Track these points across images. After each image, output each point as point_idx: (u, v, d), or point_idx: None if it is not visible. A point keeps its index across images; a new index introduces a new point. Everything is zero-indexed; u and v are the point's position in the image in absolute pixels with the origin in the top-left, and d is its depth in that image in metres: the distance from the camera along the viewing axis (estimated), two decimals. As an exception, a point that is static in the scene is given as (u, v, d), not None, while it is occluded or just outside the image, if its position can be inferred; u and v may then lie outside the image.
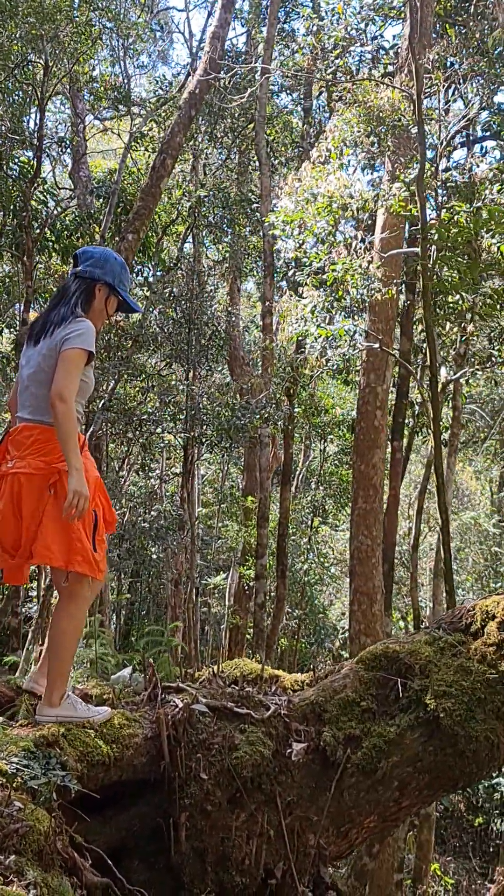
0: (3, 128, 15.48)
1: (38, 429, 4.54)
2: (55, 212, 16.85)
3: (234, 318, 20.83)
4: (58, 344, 4.50)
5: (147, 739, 4.55)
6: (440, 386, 10.87)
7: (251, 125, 18.13)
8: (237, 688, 5.08)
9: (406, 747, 4.59)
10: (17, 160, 15.61)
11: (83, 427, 17.49)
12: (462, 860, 17.73)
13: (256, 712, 4.75)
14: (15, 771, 3.73)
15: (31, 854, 3.39)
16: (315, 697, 4.87)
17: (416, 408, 14.70)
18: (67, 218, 17.14)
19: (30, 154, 16.39)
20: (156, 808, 4.55)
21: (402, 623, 23.16)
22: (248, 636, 19.67)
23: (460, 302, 10.99)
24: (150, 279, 18.79)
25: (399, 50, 13.41)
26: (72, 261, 5.04)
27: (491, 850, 17.76)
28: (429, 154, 11.13)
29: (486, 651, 4.71)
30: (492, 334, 13.72)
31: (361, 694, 4.81)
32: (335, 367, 13.01)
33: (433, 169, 10.56)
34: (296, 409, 16.79)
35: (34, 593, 18.83)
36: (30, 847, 3.39)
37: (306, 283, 11.14)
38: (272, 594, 17.72)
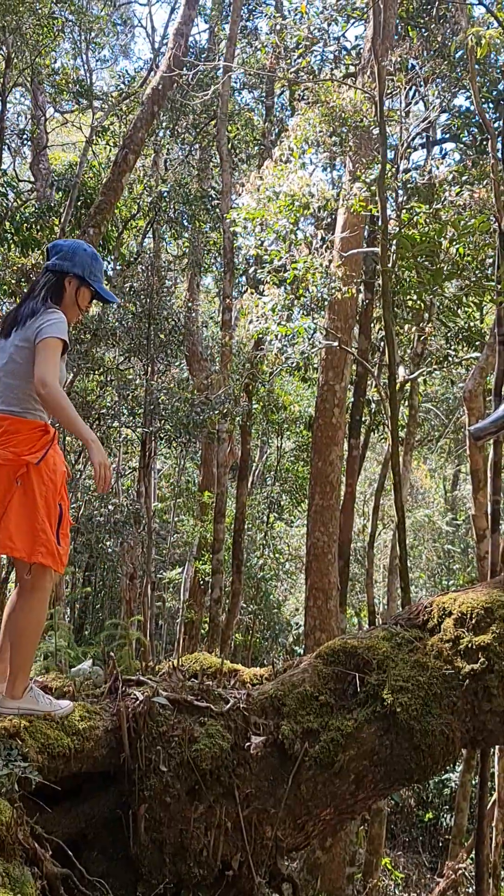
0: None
1: (8, 419, 4.51)
2: (14, 204, 16.77)
3: (193, 314, 20.82)
4: (31, 335, 4.50)
5: (107, 732, 4.57)
6: (398, 385, 10.98)
7: (213, 122, 18.16)
8: (197, 681, 5.13)
9: (363, 741, 4.66)
10: (-24, 151, 15.57)
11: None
12: (412, 855, 17.87)
13: (216, 706, 4.80)
14: (-24, 762, 3.76)
15: (-7, 844, 3.42)
16: (274, 691, 4.92)
17: (373, 406, 14.79)
18: (27, 210, 17.05)
19: (-11, 145, 16.32)
20: (115, 800, 4.59)
21: (355, 620, 23.29)
22: (202, 631, 19.71)
23: (418, 302, 11.09)
24: (110, 273, 18.75)
25: (361, 51, 13.50)
26: (44, 254, 5.07)
27: (440, 844, 17.91)
28: (389, 155, 11.23)
29: (442, 647, 4.79)
30: (448, 335, 13.85)
31: (320, 688, 4.87)
32: (294, 364, 13.08)
33: (394, 170, 10.64)
34: (254, 406, 16.83)
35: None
36: (-9, 837, 3.42)
37: (267, 281, 11.19)
38: (227, 589, 17.75)
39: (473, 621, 4.77)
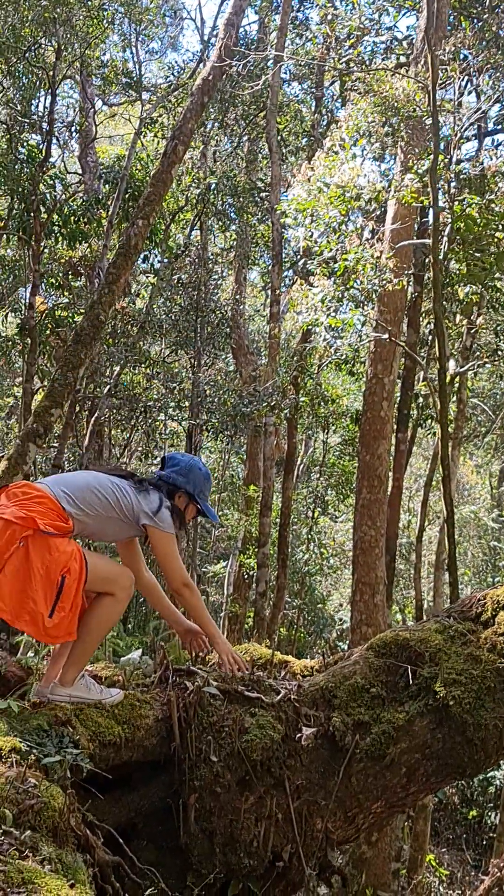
0: (13, 111, 15.48)
1: (43, 494, 4.57)
2: (63, 196, 16.82)
3: (239, 307, 20.79)
4: (137, 506, 4.76)
5: (158, 721, 4.57)
6: (447, 378, 10.88)
7: (262, 113, 18.08)
8: (247, 672, 5.10)
9: (415, 734, 4.61)
10: (25, 144, 15.58)
11: (87, 413, 17.47)
12: (456, 852, 17.77)
13: (267, 696, 4.78)
14: (29, 749, 3.75)
15: (46, 830, 3.41)
16: (325, 683, 4.89)
17: (421, 400, 14.69)
18: (75, 203, 17.11)
19: (38, 138, 16.37)
20: (165, 789, 4.59)
21: (399, 616, 23.19)
22: (247, 625, 19.70)
23: (470, 295, 10.99)
24: (157, 266, 18.78)
25: (413, 41, 13.39)
26: (159, 463, 5.26)
27: (484, 842, 17.79)
28: (441, 145, 11.13)
29: (496, 640, 4.72)
30: (498, 328, 13.73)
31: (371, 680, 4.83)
32: (342, 357, 13.01)
33: (446, 160, 10.54)
34: (301, 399, 16.78)
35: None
36: (44, 823, 3.41)
37: (316, 273, 11.14)
38: (272, 583, 17.73)
39: (529, 614, 4.71)
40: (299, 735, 4.67)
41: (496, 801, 17.39)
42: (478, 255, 9.63)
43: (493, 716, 4.53)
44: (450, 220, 9.71)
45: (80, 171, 20.78)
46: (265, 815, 4.50)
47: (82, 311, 14.29)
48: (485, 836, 18.03)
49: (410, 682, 4.77)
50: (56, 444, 15.77)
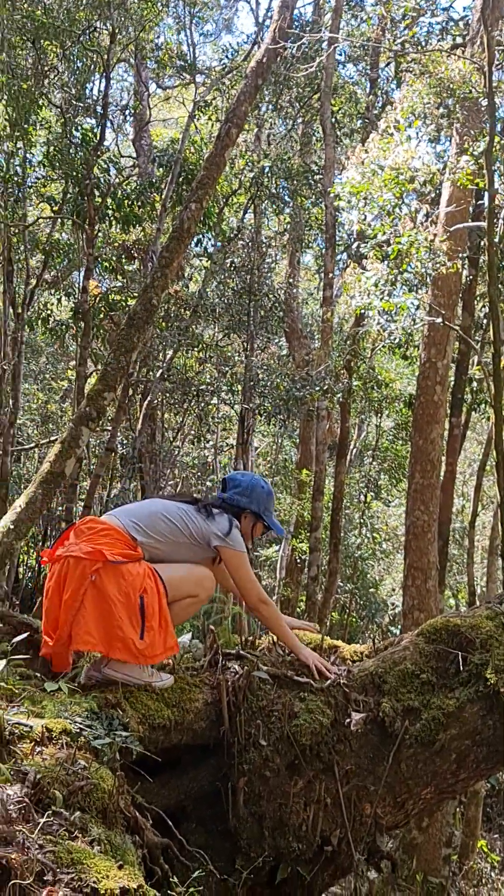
0: (68, 95, 15.51)
1: (109, 526, 4.68)
2: (117, 180, 16.84)
3: (293, 290, 20.74)
4: (206, 529, 4.87)
5: (207, 704, 4.59)
6: (502, 362, 10.75)
7: (316, 96, 17.99)
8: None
9: (465, 721, 4.59)
10: (80, 128, 15.61)
11: (140, 396, 17.53)
12: (508, 838, 17.70)
13: (316, 681, 4.77)
14: (79, 731, 3.77)
15: (95, 812, 3.43)
16: (375, 668, 4.87)
17: (475, 384, 14.56)
18: (129, 186, 17.12)
19: (93, 122, 16.39)
20: (214, 773, 4.60)
21: (452, 601, 23.07)
22: (299, 609, 19.71)
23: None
24: (210, 250, 18.78)
25: (469, 21, 13.22)
26: (220, 485, 5.36)
27: (537, 829, 17.72)
28: (498, 127, 10.99)
29: (549, 628, 4.69)
30: None
31: (421, 666, 4.81)
32: (395, 341, 12.92)
33: (502, 142, 10.41)
34: (354, 383, 16.70)
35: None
36: (94, 805, 3.43)
37: (370, 256, 11.06)
38: (324, 567, 17.71)
39: None
40: (349, 720, 4.66)
41: (549, 788, 17.28)
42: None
43: (545, 704, 4.49)
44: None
45: (134, 155, 20.81)
46: (314, 799, 4.50)
47: (136, 294, 14.31)
48: (538, 823, 17.95)
49: (461, 668, 4.74)
50: (109, 428, 15.85)
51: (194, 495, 5.19)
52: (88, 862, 2.98)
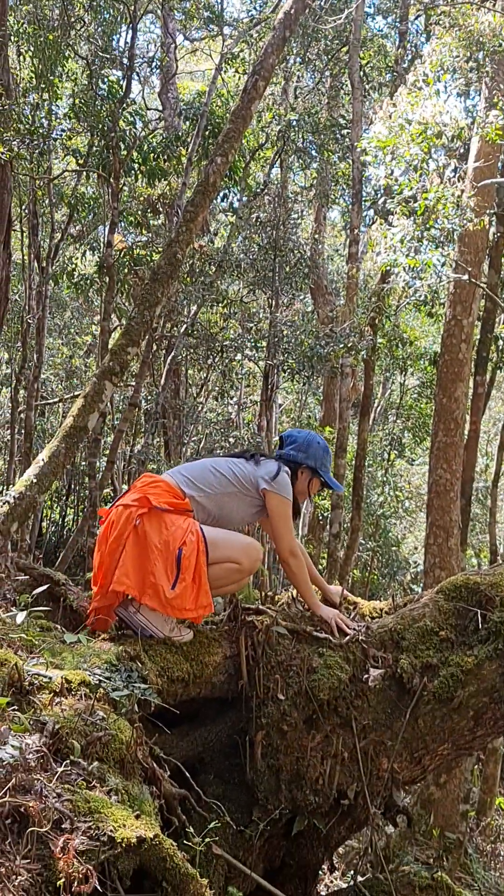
0: (94, 46, 15.38)
1: (159, 479, 4.85)
2: (143, 133, 16.72)
3: (319, 246, 20.59)
4: (257, 477, 4.95)
5: (226, 658, 4.63)
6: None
7: (345, 48, 17.75)
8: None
9: (483, 678, 4.60)
10: (106, 80, 15.48)
11: (164, 352, 17.51)
12: (525, 796, 17.77)
13: (335, 637, 4.79)
14: (98, 682, 3.80)
15: (113, 762, 3.47)
16: (394, 625, 4.88)
17: (501, 343, 14.46)
18: (155, 140, 17.00)
19: (119, 74, 16.25)
20: (232, 726, 4.65)
21: (474, 560, 23.06)
22: (320, 566, 19.75)
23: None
24: (236, 205, 18.65)
25: (501, -27, 13.02)
26: (277, 442, 5.46)
27: None
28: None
29: None
30: None
31: (440, 623, 4.81)
32: (421, 298, 12.83)
33: (532, 97, 10.29)
34: (379, 341, 16.59)
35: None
36: (111, 755, 3.47)
37: (396, 212, 10.95)
38: (346, 525, 17.70)
39: None
40: (367, 676, 4.68)
41: None
42: None
43: None
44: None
45: (160, 108, 20.65)
46: (331, 753, 4.54)
47: (160, 249, 14.24)
48: None
49: (480, 626, 4.75)
50: (133, 384, 15.84)
51: (249, 451, 5.20)
52: (105, 811, 3.02)
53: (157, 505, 4.56)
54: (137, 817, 3.14)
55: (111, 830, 2.97)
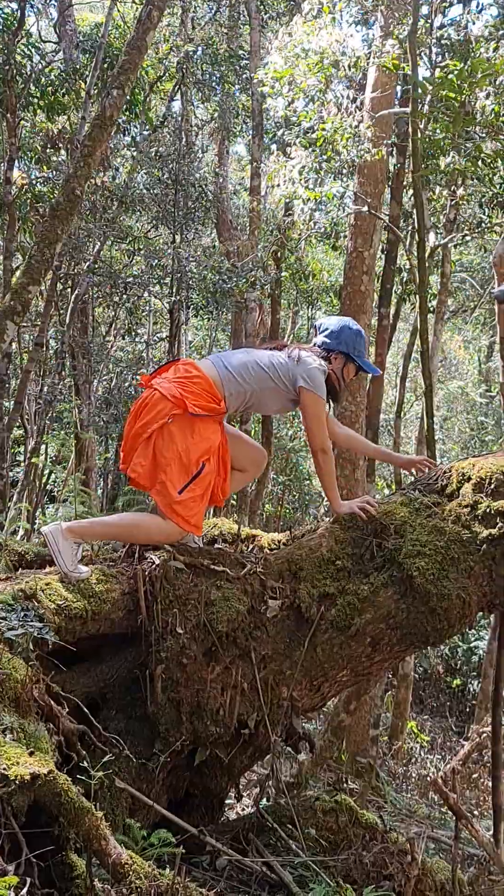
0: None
1: (201, 376, 4.86)
2: (39, 66, 16.31)
3: (221, 180, 20.40)
4: (296, 374, 5.00)
5: (124, 595, 4.62)
6: (428, 251, 10.72)
7: (241, -24, 17.51)
8: (215, 547, 5.16)
9: (380, 605, 4.66)
10: (0, 11, 15.04)
11: (70, 290, 17.28)
12: (439, 719, 18.22)
13: (233, 570, 4.82)
14: (-8, 623, 3.79)
15: (8, 701, 3.48)
16: (291, 556, 4.92)
17: (405, 274, 14.51)
18: (52, 73, 16.59)
19: (14, 6, 15.81)
20: (133, 661, 4.66)
21: (386, 490, 23.34)
22: (232, 502, 19.84)
23: (452, 165, 10.77)
24: (137, 138, 18.36)
25: None
26: (311, 330, 5.52)
27: (467, 710, 18.25)
28: (424, 10, 10.78)
29: (460, 512, 4.75)
30: (482, 199, 13.49)
31: (337, 553, 4.87)
32: (323, 230, 12.80)
33: (428, 25, 10.23)
34: (283, 274, 16.54)
35: (21, 458, 18.91)
36: (6, 694, 3.48)
37: (295, 144, 10.88)
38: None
39: (492, 486, 4.72)
40: (265, 607, 4.72)
41: (479, 670, 17.75)
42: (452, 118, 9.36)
43: (456, 586, 4.57)
44: (431, 88, 9.45)
45: (57, 40, 20.15)
46: (231, 684, 4.58)
47: (61, 185, 13.97)
48: (468, 704, 18.49)
49: (375, 554, 4.81)
50: (39, 323, 15.62)
51: (284, 342, 5.28)
52: (-1, 749, 3.03)
53: (192, 412, 4.67)
54: (31, 754, 3.15)
55: (4, 768, 2.98)
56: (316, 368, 4.99)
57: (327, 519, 5.26)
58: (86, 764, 3.52)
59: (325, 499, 21.29)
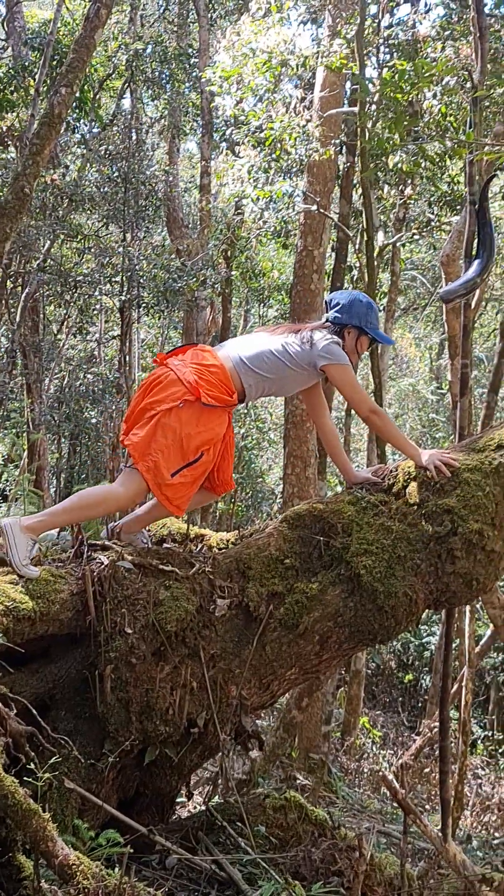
0: None
1: (218, 366, 4.91)
2: (-13, 63, 16.22)
3: (172, 178, 20.36)
4: (314, 356, 5.03)
5: (73, 595, 4.61)
6: (377, 250, 10.79)
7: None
8: (163, 546, 5.17)
9: (327, 603, 4.69)
10: None
11: (21, 289, 17.18)
12: (391, 715, 18.36)
13: (181, 569, 4.83)
14: None
15: (-46, 704, 3.46)
16: (239, 555, 4.94)
17: (355, 273, 14.58)
18: (1, 70, 16.51)
19: (-39, 1, 15.73)
20: (82, 662, 4.65)
21: (339, 488, 23.42)
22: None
23: (400, 164, 10.84)
24: (87, 136, 18.29)
25: None
26: (324, 307, 5.51)
27: (419, 705, 18.39)
28: (371, 10, 10.85)
29: (407, 510, 4.79)
30: (432, 198, 13.59)
31: (285, 552, 4.89)
32: (273, 229, 12.83)
33: (375, 25, 10.29)
34: (233, 273, 16.55)
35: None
36: (-48, 698, 3.47)
37: (244, 143, 10.89)
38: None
39: (438, 485, 4.77)
40: (213, 606, 4.74)
41: (431, 665, 17.91)
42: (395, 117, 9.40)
43: (403, 584, 4.62)
44: (378, 87, 9.51)
45: (5, 37, 20.03)
46: (180, 683, 4.59)
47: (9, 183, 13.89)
48: (420, 699, 18.64)
49: (323, 552, 4.84)
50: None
51: (299, 326, 5.30)
52: None
53: (205, 402, 4.73)
54: (-23, 757, 3.16)
55: (-51, 771, 2.98)
56: (329, 342, 5.05)
57: (274, 521, 5.27)
58: (34, 765, 3.52)
59: (278, 496, 21.29)
